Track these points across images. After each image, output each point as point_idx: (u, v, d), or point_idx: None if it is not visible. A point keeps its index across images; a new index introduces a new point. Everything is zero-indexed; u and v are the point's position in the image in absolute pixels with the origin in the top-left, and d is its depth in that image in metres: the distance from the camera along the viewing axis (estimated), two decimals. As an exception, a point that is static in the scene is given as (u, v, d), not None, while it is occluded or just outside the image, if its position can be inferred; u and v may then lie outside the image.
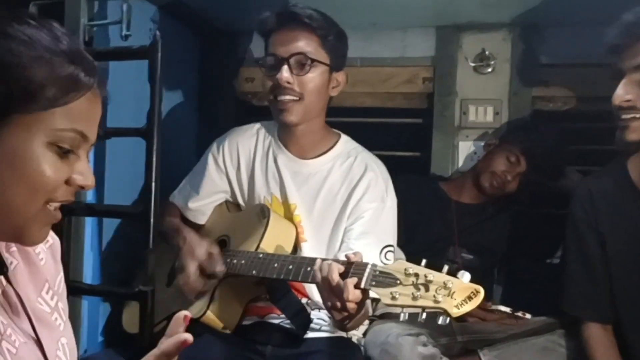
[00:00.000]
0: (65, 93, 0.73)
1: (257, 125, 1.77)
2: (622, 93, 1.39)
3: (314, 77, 1.57)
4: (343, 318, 1.23)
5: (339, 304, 1.18)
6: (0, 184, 0.72)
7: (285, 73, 1.54)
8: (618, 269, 1.53)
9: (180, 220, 1.76)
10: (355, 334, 1.63)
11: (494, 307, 1.78)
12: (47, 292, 0.90)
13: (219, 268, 1.50)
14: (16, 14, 0.75)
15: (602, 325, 1.56)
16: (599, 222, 1.54)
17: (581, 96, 2.11)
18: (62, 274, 0.96)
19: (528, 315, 1.72)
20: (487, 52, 2.16)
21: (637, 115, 1.38)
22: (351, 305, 1.17)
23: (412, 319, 1.67)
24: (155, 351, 0.82)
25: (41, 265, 0.90)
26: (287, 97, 1.56)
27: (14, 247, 0.86)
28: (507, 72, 2.16)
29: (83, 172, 0.78)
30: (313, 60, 1.56)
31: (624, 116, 1.39)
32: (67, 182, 0.77)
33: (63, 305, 0.93)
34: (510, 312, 1.74)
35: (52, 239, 0.95)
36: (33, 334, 0.83)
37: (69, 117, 0.74)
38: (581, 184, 1.65)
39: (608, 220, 1.53)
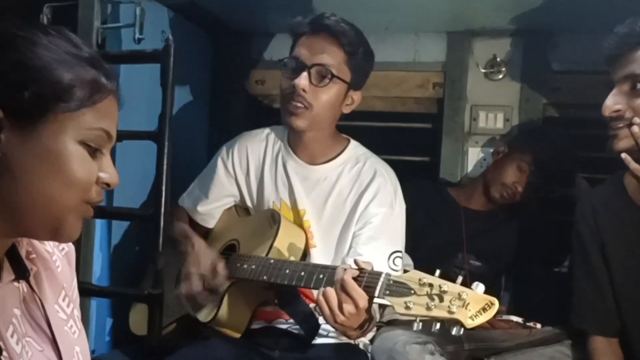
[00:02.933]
0: (92, 94, 0.77)
1: (267, 130, 1.77)
2: (610, 104, 1.41)
3: (330, 91, 1.56)
4: (345, 327, 1.24)
5: (337, 311, 1.19)
6: (38, 177, 0.75)
7: (303, 80, 1.53)
8: (620, 281, 1.54)
9: (189, 225, 1.76)
10: (363, 340, 1.63)
11: (505, 317, 1.77)
12: (63, 299, 0.91)
13: (221, 284, 1.51)
14: (36, 22, 0.79)
15: (607, 338, 1.56)
16: (602, 235, 1.55)
17: (592, 103, 2.09)
18: (75, 281, 0.97)
19: (539, 326, 1.72)
20: (498, 58, 2.16)
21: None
22: (350, 308, 1.19)
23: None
24: None
25: (58, 272, 0.91)
26: (298, 104, 1.56)
27: (33, 254, 0.87)
28: (518, 78, 2.15)
29: (108, 170, 0.81)
30: (334, 76, 1.55)
31: (614, 126, 1.41)
32: (96, 180, 0.80)
33: (77, 312, 0.94)
34: (522, 322, 1.74)
35: (68, 246, 0.96)
36: (51, 342, 0.83)
37: (96, 117, 0.78)
38: (584, 197, 1.65)
39: (609, 233, 1.54)
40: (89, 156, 0.78)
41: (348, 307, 1.18)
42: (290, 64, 1.59)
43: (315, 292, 1.58)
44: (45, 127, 0.75)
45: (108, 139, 0.80)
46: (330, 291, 1.22)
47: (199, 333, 1.58)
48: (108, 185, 0.82)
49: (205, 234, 1.81)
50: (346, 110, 1.64)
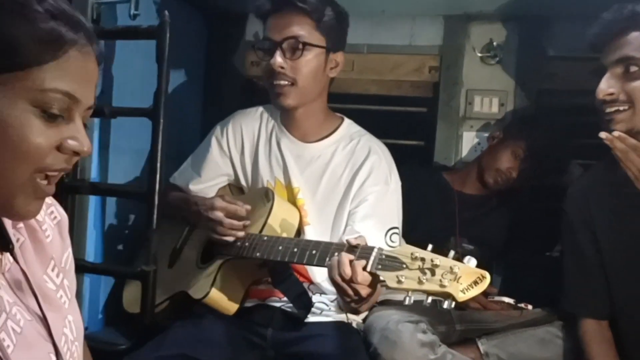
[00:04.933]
0: (46, 50, 0.68)
1: (261, 109, 1.77)
2: (605, 87, 1.43)
3: (308, 60, 1.56)
4: (354, 301, 1.24)
5: (350, 290, 1.19)
6: None
7: (278, 58, 1.54)
8: (611, 264, 1.55)
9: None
10: (355, 319, 1.64)
11: (497, 298, 1.79)
12: (52, 270, 0.88)
13: (243, 208, 1.52)
14: None
15: (598, 320, 1.58)
16: (593, 221, 1.56)
17: (587, 89, 2.10)
18: (69, 250, 0.95)
19: (530, 307, 1.74)
20: (494, 43, 2.15)
21: (621, 108, 1.41)
22: (362, 289, 1.17)
23: (412, 306, 1.70)
24: None
25: (47, 242, 0.88)
26: (282, 82, 1.56)
27: (21, 224, 0.85)
28: (514, 63, 2.15)
29: (76, 136, 0.72)
30: (306, 44, 1.55)
31: (608, 109, 1.43)
32: (59, 148, 0.72)
33: (69, 282, 0.92)
34: (514, 303, 1.75)
35: (60, 215, 0.94)
36: (39, 312, 0.81)
37: (55, 77, 0.68)
38: (574, 183, 1.67)
39: (600, 218, 1.55)
40: (43, 123, 0.69)
41: (363, 291, 1.18)
42: (262, 46, 1.60)
43: (309, 270, 1.60)
44: None
45: (72, 102, 0.71)
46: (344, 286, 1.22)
47: (192, 311, 1.58)
48: (77, 154, 0.73)
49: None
50: (332, 74, 1.64)
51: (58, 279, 0.89)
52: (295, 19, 1.56)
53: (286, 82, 1.56)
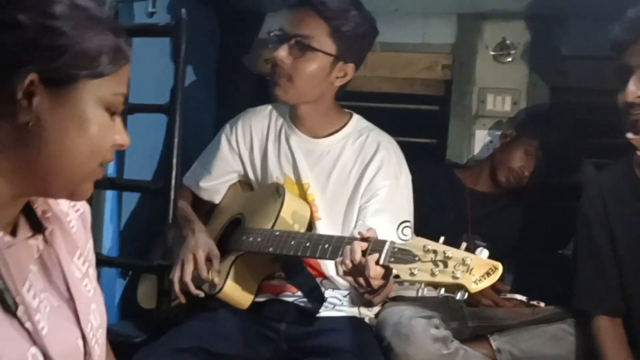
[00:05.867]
0: (116, 61, 0.78)
1: (270, 107, 1.78)
2: (634, 89, 1.40)
3: (310, 64, 1.54)
4: (367, 293, 1.25)
5: (363, 282, 1.20)
6: (66, 142, 0.77)
7: (282, 52, 1.54)
8: (627, 263, 1.55)
9: (193, 204, 1.78)
10: (368, 315, 1.65)
11: (509, 295, 1.79)
12: (78, 258, 0.92)
13: (212, 277, 1.52)
14: None
15: (611, 318, 1.58)
16: (609, 219, 1.56)
17: (600, 89, 2.10)
18: (91, 241, 0.98)
19: (542, 304, 1.74)
20: (507, 41, 2.16)
21: None
22: (375, 282, 1.18)
23: (425, 302, 1.71)
24: None
25: (73, 232, 0.92)
26: (280, 75, 1.57)
27: (49, 214, 0.88)
28: (527, 62, 2.16)
29: (121, 131, 0.83)
30: (311, 47, 1.53)
31: (635, 112, 1.40)
32: None
33: (93, 271, 0.95)
34: (526, 300, 1.76)
35: (83, 207, 0.97)
36: (68, 298, 0.84)
37: (119, 83, 0.80)
38: (591, 181, 1.66)
39: (617, 217, 1.55)
40: (109, 120, 0.80)
41: (376, 282, 1.19)
42: (275, 35, 1.60)
43: (322, 264, 1.61)
44: (75, 93, 0.76)
45: (124, 101, 0.82)
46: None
47: (206, 305, 1.60)
48: (121, 146, 0.83)
49: (210, 210, 1.82)
50: (338, 83, 1.60)
51: (83, 268, 0.92)
52: (311, 20, 1.55)
53: (283, 76, 1.56)
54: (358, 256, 1.18)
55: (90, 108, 0.77)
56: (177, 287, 1.53)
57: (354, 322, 1.59)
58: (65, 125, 0.76)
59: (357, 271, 1.20)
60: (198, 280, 1.53)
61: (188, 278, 1.51)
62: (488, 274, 1.06)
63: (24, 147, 0.75)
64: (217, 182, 1.79)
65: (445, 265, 1.08)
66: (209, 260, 1.54)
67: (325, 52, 1.55)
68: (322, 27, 1.55)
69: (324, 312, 1.58)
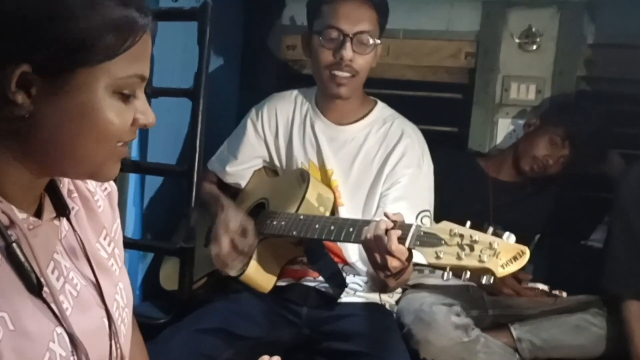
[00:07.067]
0: (124, 39, 0.70)
1: (295, 92, 1.78)
2: None
3: (371, 57, 1.59)
4: (386, 276, 1.25)
5: (379, 259, 1.18)
6: (71, 135, 0.72)
7: (349, 52, 1.54)
8: None
9: (218, 188, 1.79)
10: (388, 301, 1.65)
11: (531, 284, 1.78)
12: (104, 238, 0.91)
13: (249, 245, 1.52)
14: None
15: None
16: None
17: (628, 78, 2.07)
18: (118, 221, 0.97)
19: (564, 294, 1.73)
20: (533, 29, 2.12)
21: None
22: (393, 262, 1.17)
23: (446, 290, 1.71)
24: None
25: (99, 212, 0.91)
26: (345, 74, 1.57)
27: (75, 193, 0.87)
28: (553, 50, 2.12)
29: (144, 111, 0.77)
30: (375, 42, 1.56)
31: None
32: (132, 123, 0.77)
33: (119, 251, 0.95)
34: (548, 290, 1.75)
35: (110, 186, 0.96)
36: (93, 278, 0.84)
37: (129, 63, 0.72)
38: (632, 167, 1.66)
39: None
40: (122, 105, 0.74)
41: (393, 263, 1.18)
42: (329, 34, 1.57)
43: (343, 250, 1.61)
44: (75, 81, 0.70)
45: (142, 81, 0.76)
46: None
47: (229, 287, 1.61)
48: (145, 125, 0.78)
49: (234, 195, 1.83)
50: (374, 63, 1.64)
51: (109, 248, 0.91)
52: (367, 12, 1.56)
53: (349, 74, 1.57)
54: (381, 231, 1.17)
55: (95, 96, 0.71)
56: (218, 262, 1.54)
57: (375, 308, 1.59)
58: (66, 115, 0.71)
59: (377, 246, 1.19)
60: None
61: (226, 250, 1.52)
62: (515, 258, 1.05)
63: (31, 137, 0.71)
64: (243, 167, 1.80)
65: (472, 249, 1.07)
66: (243, 230, 1.54)
67: (378, 42, 1.58)
68: (375, 18, 1.58)
69: (345, 298, 1.58)
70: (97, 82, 0.71)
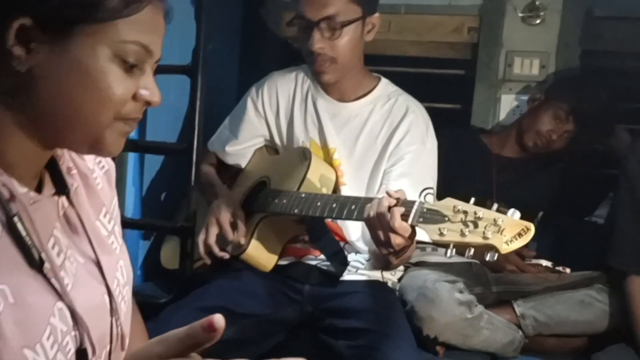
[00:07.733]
0: (127, 4, 0.70)
1: (296, 70, 1.75)
2: None
3: (346, 38, 1.52)
4: (389, 253, 1.23)
5: (383, 236, 1.17)
6: (69, 96, 0.71)
7: (317, 43, 1.50)
8: None
9: (215, 173, 1.76)
10: (391, 279, 1.64)
11: (534, 261, 1.77)
12: (104, 216, 0.90)
13: (238, 238, 1.51)
14: None
15: None
16: None
17: (635, 52, 2.04)
18: (116, 198, 0.97)
19: (568, 270, 1.72)
20: (537, 2, 2.09)
21: None
22: (397, 241, 1.16)
23: (448, 267, 1.70)
24: (179, 334, 0.78)
25: (98, 190, 0.90)
26: (322, 61, 1.53)
27: (74, 170, 0.86)
28: (557, 23, 2.09)
29: (149, 87, 0.75)
30: (343, 24, 1.50)
31: None
32: (134, 97, 0.75)
33: (118, 229, 0.94)
34: (551, 266, 1.74)
35: (108, 164, 0.95)
36: (93, 255, 0.83)
37: (133, 29, 0.71)
38: (639, 142, 1.64)
39: None
40: (123, 73, 0.73)
41: (397, 240, 1.16)
42: (298, 24, 1.55)
43: (344, 229, 1.60)
44: (76, 40, 0.69)
45: (147, 54, 0.74)
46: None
47: (230, 266, 1.60)
48: (149, 103, 0.77)
49: (236, 173, 1.82)
50: (369, 37, 1.59)
51: (109, 225, 0.91)
52: None
53: (327, 61, 1.53)
54: (384, 208, 1.16)
55: (95, 57, 0.70)
56: (202, 249, 1.54)
57: (377, 285, 1.58)
58: (65, 74, 0.70)
59: (380, 223, 1.17)
60: (223, 242, 1.54)
61: (212, 240, 1.52)
62: (520, 234, 1.04)
63: (30, 96, 0.71)
64: (243, 146, 1.77)
65: (476, 226, 1.06)
66: (233, 221, 1.53)
67: (355, 20, 1.52)
68: None
69: (346, 276, 1.57)
70: (97, 42, 0.70)
